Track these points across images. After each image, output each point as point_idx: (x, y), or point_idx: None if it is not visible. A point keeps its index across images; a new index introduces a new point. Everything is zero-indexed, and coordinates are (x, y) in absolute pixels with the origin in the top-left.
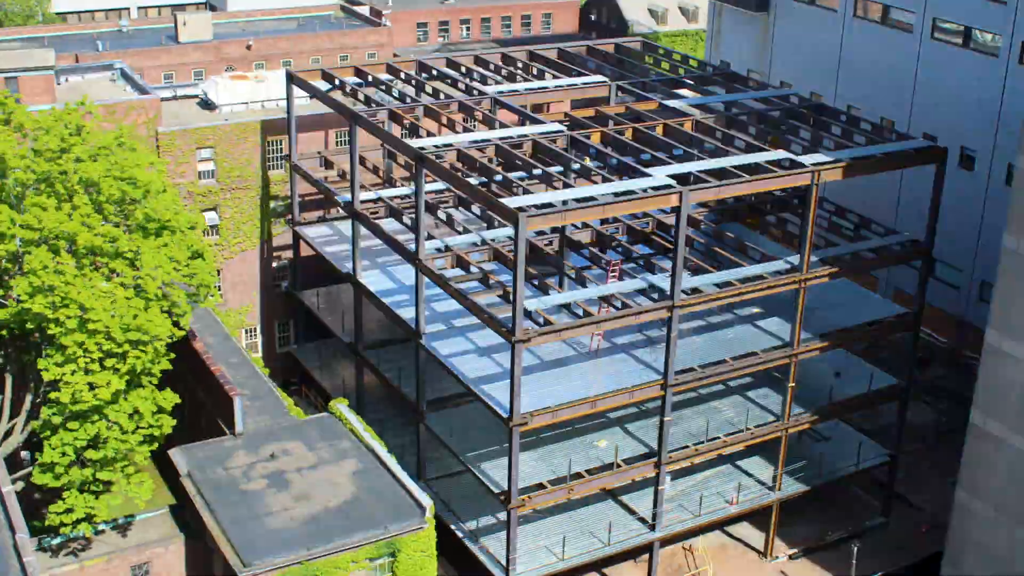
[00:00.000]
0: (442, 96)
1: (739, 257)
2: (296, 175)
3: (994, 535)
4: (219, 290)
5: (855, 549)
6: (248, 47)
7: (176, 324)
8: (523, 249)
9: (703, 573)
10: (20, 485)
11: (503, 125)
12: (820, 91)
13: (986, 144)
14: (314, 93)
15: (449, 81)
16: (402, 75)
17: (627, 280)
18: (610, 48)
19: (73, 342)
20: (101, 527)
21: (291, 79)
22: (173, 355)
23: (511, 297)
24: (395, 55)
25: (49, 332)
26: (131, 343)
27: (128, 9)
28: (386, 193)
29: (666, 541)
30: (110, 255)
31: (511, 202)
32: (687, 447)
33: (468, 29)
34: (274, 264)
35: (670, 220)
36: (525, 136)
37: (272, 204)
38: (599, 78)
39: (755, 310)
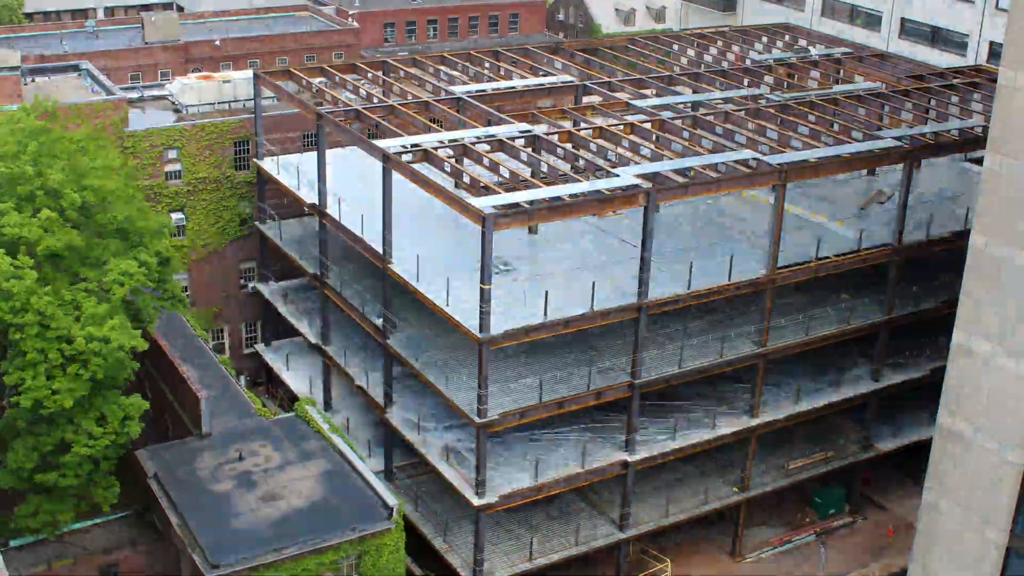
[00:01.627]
0: (409, 96)
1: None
2: (262, 175)
3: (962, 536)
4: (186, 291)
5: (823, 550)
6: (215, 47)
7: (142, 330)
8: (490, 250)
9: (660, 572)
10: None
11: (470, 125)
12: None
13: None
14: (281, 93)
15: (416, 81)
16: (369, 75)
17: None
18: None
19: (33, 348)
20: (68, 529)
21: (258, 79)
22: (137, 365)
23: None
24: (362, 55)
25: (10, 337)
26: (94, 352)
27: (95, 10)
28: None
29: (636, 541)
30: (73, 260)
31: (478, 203)
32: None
33: (435, 29)
34: (242, 264)
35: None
36: (492, 136)
37: (240, 205)
38: (566, 78)
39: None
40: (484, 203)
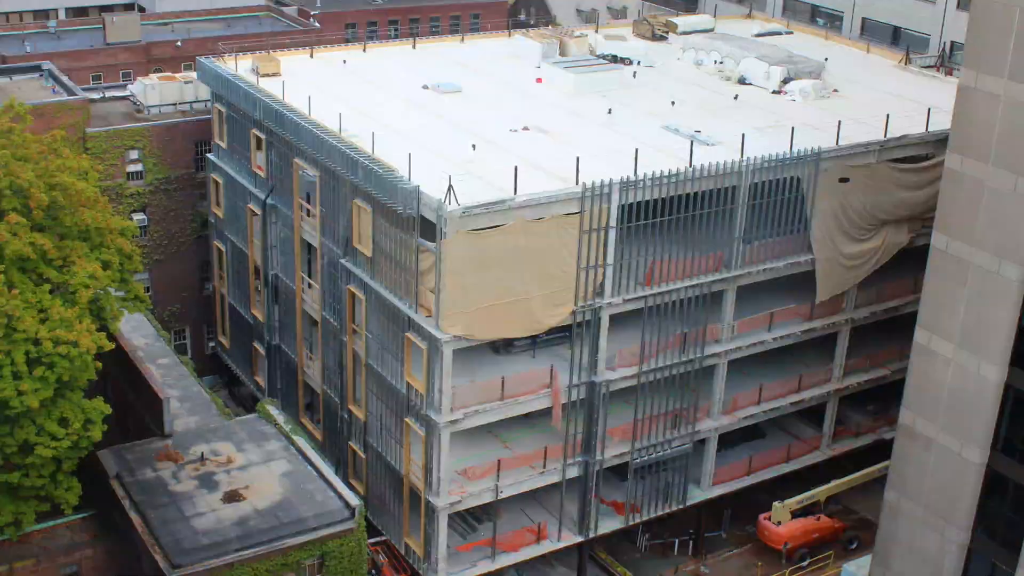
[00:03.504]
0: None
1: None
2: (215, 173)
3: (923, 535)
4: (148, 291)
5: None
6: (176, 48)
7: (106, 329)
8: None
9: None
10: None
11: None
12: None
13: None
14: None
15: None
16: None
17: None
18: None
19: None
20: (30, 529)
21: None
22: (100, 365)
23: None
24: None
25: None
26: (60, 355)
27: (56, 10)
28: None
29: (598, 542)
30: (38, 262)
31: (434, 203)
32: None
33: (396, 30)
34: (203, 264)
35: None
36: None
37: (201, 204)
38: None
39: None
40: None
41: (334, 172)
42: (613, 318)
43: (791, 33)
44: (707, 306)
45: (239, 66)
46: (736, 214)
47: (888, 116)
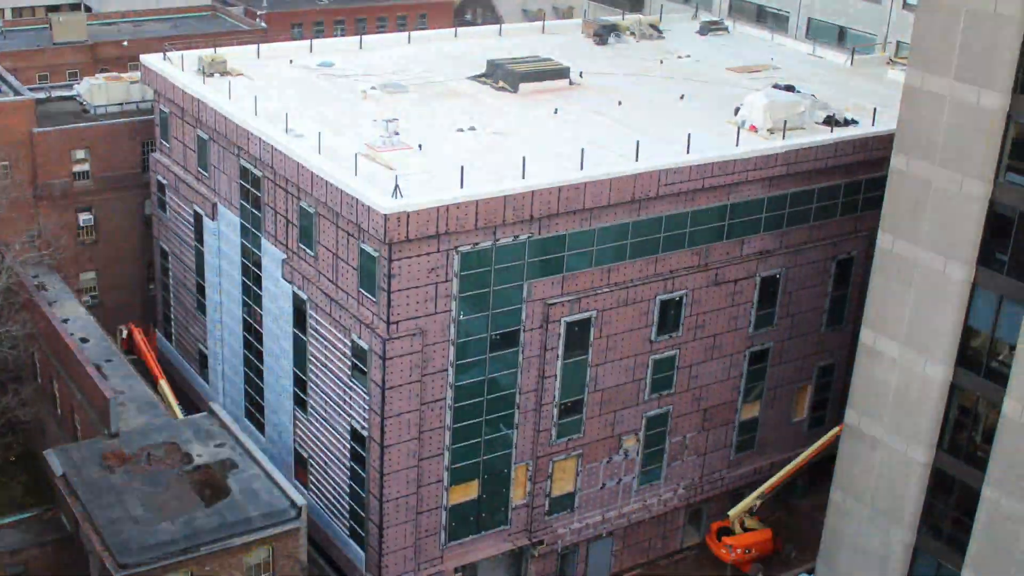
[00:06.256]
0: None
1: None
2: (157, 171)
3: (869, 535)
4: (95, 290)
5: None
6: (123, 47)
7: None
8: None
9: None
10: None
11: None
12: None
13: None
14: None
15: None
16: None
17: None
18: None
19: None
20: None
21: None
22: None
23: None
24: None
25: None
26: None
27: (2, 10)
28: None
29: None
30: None
31: (379, 204)
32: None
33: (343, 30)
34: (149, 263)
35: None
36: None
37: (147, 204)
38: None
39: None
40: (386, 204)
41: (279, 174)
42: None
43: (727, 30)
44: None
45: (184, 66)
46: None
47: None
